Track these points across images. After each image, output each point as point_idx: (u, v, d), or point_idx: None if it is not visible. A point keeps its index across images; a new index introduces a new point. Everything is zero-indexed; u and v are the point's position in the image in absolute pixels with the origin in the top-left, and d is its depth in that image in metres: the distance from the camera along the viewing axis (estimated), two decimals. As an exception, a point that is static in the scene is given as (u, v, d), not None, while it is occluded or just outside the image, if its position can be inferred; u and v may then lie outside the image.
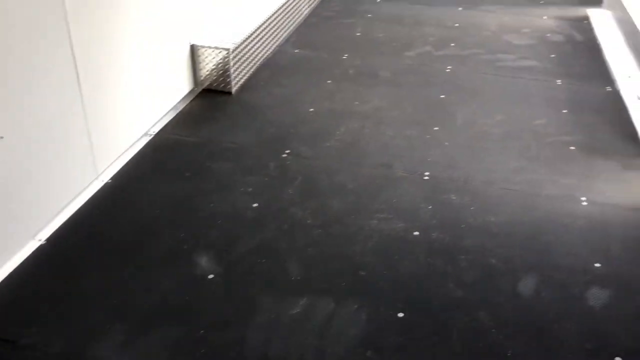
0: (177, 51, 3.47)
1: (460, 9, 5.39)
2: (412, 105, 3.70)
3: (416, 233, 2.57)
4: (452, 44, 4.61)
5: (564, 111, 3.64)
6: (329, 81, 3.97)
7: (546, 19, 5.22)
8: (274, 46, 4.38)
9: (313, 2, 5.26)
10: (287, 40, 4.58)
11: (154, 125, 3.30)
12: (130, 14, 2.94)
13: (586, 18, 5.24)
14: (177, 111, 3.50)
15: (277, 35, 4.41)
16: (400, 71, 4.15)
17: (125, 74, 2.96)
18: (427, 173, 3.00)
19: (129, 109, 3.05)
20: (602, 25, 5.00)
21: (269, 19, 4.18)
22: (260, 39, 4.08)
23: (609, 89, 3.96)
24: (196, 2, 3.58)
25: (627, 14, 4.57)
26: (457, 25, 5.00)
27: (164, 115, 3.40)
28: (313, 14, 5.15)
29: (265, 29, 4.14)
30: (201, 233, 2.55)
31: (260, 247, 2.49)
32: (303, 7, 4.98)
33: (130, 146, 3.11)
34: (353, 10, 5.27)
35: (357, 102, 3.71)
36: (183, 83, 3.58)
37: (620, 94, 3.88)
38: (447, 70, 4.17)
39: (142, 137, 3.21)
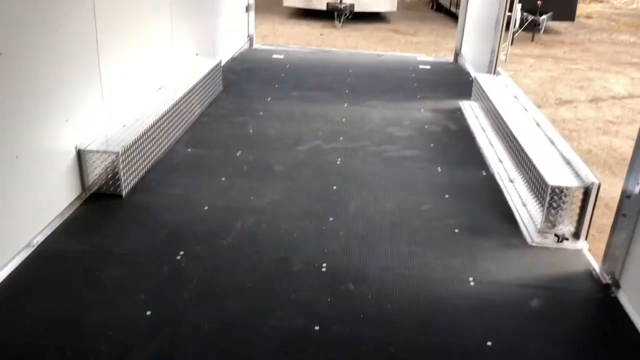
0: (62, 156, 3.37)
1: (345, 105, 5.73)
2: (306, 198, 3.80)
3: (317, 328, 2.56)
4: (341, 138, 4.84)
5: (446, 196, 3.89)
6: (223, 178, 3.99)
7: (423, 111, 5.67)
8: (166, 146, 4.37)
9: (205, 102, 5.37)
10: (179, 140, 4.60)
11: (37, 236, 3.12)
12: (10, 123, 2.84)
13: (459, 109, 5.75)
14: (64, 219, 3.34)
15: (169, 134, 4.42)
16: (294, 165, 4.27)
17: (1, 183, 2.82)
18: (324, 264, 3.04)
19: (6, 219, 2.88)
20: (472, 116, 5.49)
21: (160, 119, 4.20)
22: (152, 139, 4.07)
23: (484, 173, 4.31)
24: (83, 105, 3.54)
25: (492, 104, 5.07)
26: (344, 120, 5.29)
27: (49, 224, 3.23)
28: (205, 113, 5.25)
29: (156, 129, 4.14)
30: (90, 349, 2.38)
31: (155, 357, 2.36)
32: (195, 106, 5.06)
33: (10, 260, 2.90)
34: (245, 108, 5.44)
35: (252, 198, 3.75)
36: (69, 189, 3.45)
37: (495, 177, 4.23)
38: (338, 163, 4.35)
39: (23, 249, 3.01)
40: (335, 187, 3.93)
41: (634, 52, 13.57)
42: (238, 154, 4.39)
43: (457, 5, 15.78)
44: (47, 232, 3.19)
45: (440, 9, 18.22)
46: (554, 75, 10.88)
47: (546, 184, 3.43)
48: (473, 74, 6.83)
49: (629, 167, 2.94)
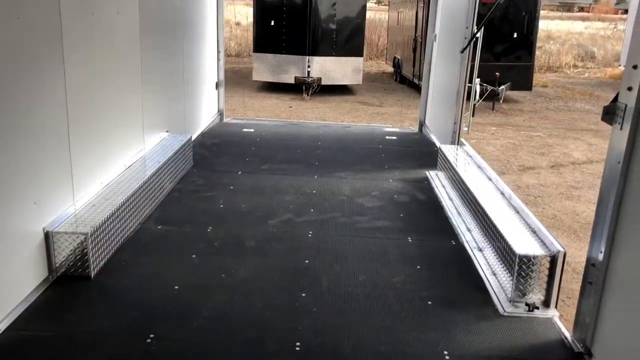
0: (29, 238, 3.31)
1: (315, 176, 5.81)
2: (278, 274, 3.78)
3: (292, 410, 2.50)
4: (312, 210, 4.89)
5: (418, 267, 3.92)
6: (193, 256, 3.96)
7: (392, 181, 5.78)
8: (135, 224, 4.34)
9: (175, 177, 5.38)
10: (149, 217, 4.58)
11: (1, 322, 3.02)
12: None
13: (426, 179, 5.89)
14: (29, 303, 3.25)
15: (138, 212, 4.40)
16: (265, 240, 4.27)
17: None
18: (298, 343, 2.99)
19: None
20: (439, 185, 5.62)
21: (130, 197, 4.19)
22: (122, 218, 4.04)
23: (453, 242, 4.37)
24: (52, 186, 3.52)
25: (458, 174, 5.21)
26: (314, 191, 5.35)
27: (13, 310, 3.13)
28: (175, 188, 5.25)
29: (126, 207, 4.12)
30: None
31: None
32: (165, 182, 5.07)
33: (-29, 349, 2.79)
34: (215, 183, 5.47)
35: (223, 275, 3.71)
36: (36, 272, 3.38)
37: (464, 246, 4.29)
38: (309, 236, 4.37)
39: (-14, 337, 2.90)
40: (307, 262, 3.93)
41: (589, 119, 14.20)
42: (209, 230, 4.38)
43: (420, 78, 16.44)
44: (12, 318, 3.09)
45: (403, 80, 18.91)
46: (515, 143, 11.27)
47: (514, 253, 3.50)
48: (438, 144, 7.04)
49: (592, 236, 3.02)
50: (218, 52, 8.18)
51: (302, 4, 15.41)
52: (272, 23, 15.69)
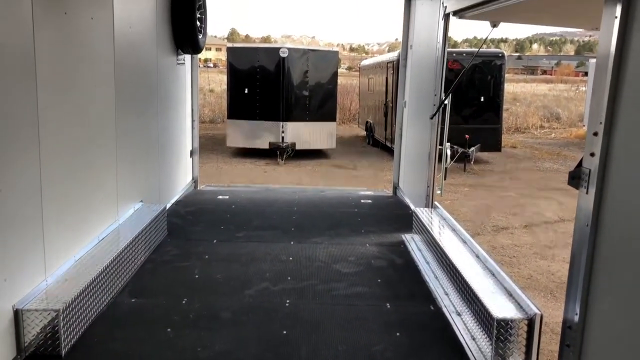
0: (-2, 318, 3.21)
1: (292, 243, 5.80)
2: (256, 346, 3.70)
3: None
4: (289, 277, 4.85)
5: (397, 334, 3.89)
6: (168, 329, 3.86)
7: (368, 246, 5.79)
8: (108, 298, 4.24)
9: (149, 248, 5.32)
10: (123, 290, 4.48)
11: (-37, 408, 2.88)
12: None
13: (402, 243, 5.91)
14: (-6, 386, 3.11)
15: (112, 286, 4.31)
16: (241, 311, 4.20)
17: None
18: (277, 419, 2.90)
19: None
20: (415, 249, 5.65)
21: (103, 271, 4.11)
22: (94, 293, 3.95)
23: (431, 307, 4.36)
24: (23, 262, 3.45)
25: (433, 237, 5.26)
26: (291, 258, 5.33)
27: (-22, 394, 3.00)
28: (149, 259, 5.18)
29: (99, 282, 4.04)
30: None
31: None
32: (139, 254, 5.00)
33: None
34: (190, 252, 5.41)
35: (199, 349, 3.62)
36: (3, 352, 3.25)
37: (442, 311, 4.28)
38: (287, 305, 4.31)
39: None
40: (285, 332, 3.87)
41: (558, 178, 14.57)
42: (184, 302, 4.30)
43: (392, 141, 16.81)
44: (-25, 403, 2.95)
45: (376, 143, 19.29)
46: (488, 203, 11.46)
47: (492, 317, 3.51)
48: (412, 207, 7.12)
49: (566, 298, 3.06)
50: (192, 120, 8.28)
51: (275, 71, 15.81)
52: (246, 90, 16.02)
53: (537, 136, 24.73)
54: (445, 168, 6.44)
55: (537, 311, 3.43)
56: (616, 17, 2.68)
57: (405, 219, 6.76)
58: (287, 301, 4.37)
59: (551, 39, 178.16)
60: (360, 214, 7.09)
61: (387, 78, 17.56)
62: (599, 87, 2.79)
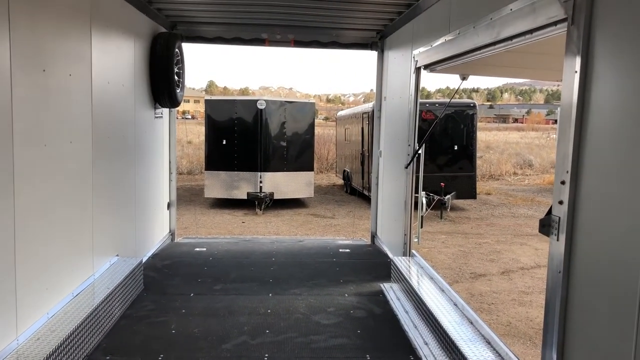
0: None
1: (270, 295, 5.75)
2: (234, 402, 3.62)
3: None
4: (267, 331, 4.79)
5: (378, 386, 3.85)
6: (144, 388, 3.77)
7: (347, 296, 5.77)
8: (82, 356, 4.13)
9: (125, 303, 5.22)
10: (97, 347, 4.37)
11: None
12: None
13: (381, 292, 5.91)
14: None
15: (86, 344, 4.21)
16: (219, 366, 4.12)
17: None
18: None
19: None
20: (394, 298, 5.65)
21: (77, 328, 4.02)
22: (68, 351, 3.85)
23: (411, 358, 4.33)
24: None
25: (411, 286, 5.28)
26: (269, 311, 5.27)
27: None
28: (125, 315, 5.08)
29: (73, 339, 3.94)
30: None
31: None
32: (115, 309, 4.91)
33: None
34: (166, 307, 5.33)
35: (176, 407, 3.53)
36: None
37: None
38: (265, 358, 4.25)
39: None
40: (264, 387, 3.80)
41: (533, 224, 14.77)
42: (160, 359, 4.20)
43: (369, 189, 16.98)
44: None
45: (354, 192, 19.42)
46: (465, 250, 11.53)
47: (472, 368, 3.50)
48: (390, 255, 7.15)
49: (543, 345, 3.08)
50: (170, 172, 8.30)
51: (252, 123, 15.99)
52: (224, 142, 16.12)
53: (511, 183, 25.16)
54: (422, 216, 6.51)
55: (515, 359, 3.44)
56: (576, 72, 2.82)
57: (383, 268, 6.78)
58: (266, 355, 4.31)
59: (521, 88, 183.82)
60: (339, 263, 7.08)
61: (362, 128, 17.86)
62: (564, 136, 2.91)
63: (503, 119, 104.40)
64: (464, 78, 6.14)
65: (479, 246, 11.97)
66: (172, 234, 8.42)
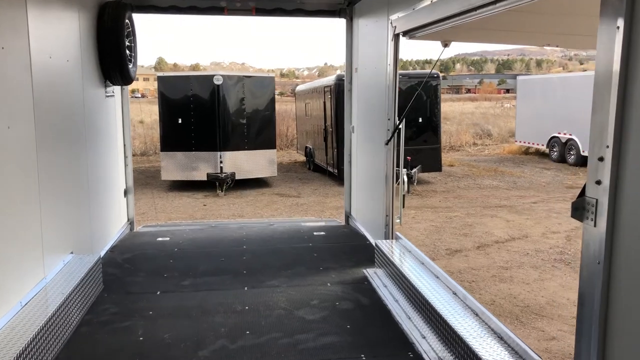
0: None
1: (245, 289, 5.25)
2: (218, 423, 3.14)
3: None
4: (247, 332, 4.30)
5: (380, 392, 3.43)
6: (111, 412, 3.24)
7: (330, 285, 5.33)
8: (35, 376, 3.56)
9: (83, 308, 4.63)
10: (53, 363, 3.80)
11: None
12: None
13: (365, 279, 5.49)
14: None
15: (41, 358, 3.63)
16: (197, 378, 3.62)
17: None
18: None
19: None
20: (381, 285, 5.23)
21: (29, 344, 3.43)
22: (16, 374, 3.27)
23: (410, 355, 3.93)
24: None
25: (401, 273, 4.86)
26: (247, 308, 4.78)
27: None
28: (84, 321, 4.49)
29: (25, 357, 3.36)
30: None
31: None
32: (72, 316, 4.31)
33: None
34: (131, 309, 4.76)
35: None
36: None
37: (423, 356, 3.86)
38: (249, 366, 3.77)
39: None
40: (251, 402, 3.33)
41: (500, 195, 14.67)
42: (128, 373, 3.67)
43: (334, 165, 16.52)
44: None
45: (317, 169, 18.95)
46: (437, 225, 11.27)
47: (487, 368, 3.11)
48: (370, 238, 6.73)
49: (577, 342, 2.70)
50: (125, 156, 7.61)
51: (209, 100, 15.23)
52: (180, 121, 15.33)
53: (471, 153, 25.19)
54: (404, 195, 6.10)
55: (537, 358, 3.06)
56: (618, 28, 2.39)
57: (363, 252, 6.36)
58: (249, 361, 3.82)
59: (472, 58, 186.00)
60: (316, 248, 6.62)
61: (325, 102, 17.32)
62: (602, 106, 2.48)
63: (456, 89, 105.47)
64: (445, 45, 5.69)
65: (450, 220, 11.73)
66: (130, 223, 7.76)
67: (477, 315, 3.81)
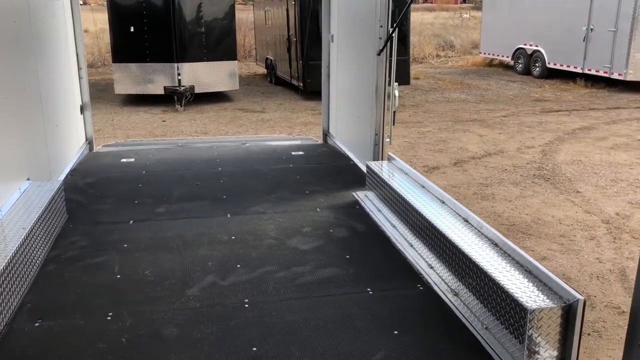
0: None
1: (229, 215, 4.79)
2: (220, 373, 2.78)
3: None
4: (238, 265, 3.89)
5: (395, 332, 3.11)
6: (95, 366, 2.82)
7: (320, 211, 4.93)
8: (2, 324, 3.07)
9: (48, 242, 4.10)
10: (20, 308, 3.31)
11: None
12: None
13: (357, 203, 5.11)
14: None
15: (4, 306, 3.13)
16: (189, 322, 3.21)
17: None
18: None
19: None
20: (374, 209, 4.87)
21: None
22: (-22, 328, 2.79)
23: (420, 287, 3.62)
24: None
25: (399, 197, 4.48)
26: (233, 237, 4.34)
27: None
28: (51, 258, 3.97)
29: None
30: None
31: None
32: (37, 253, 3.78)
33: None
34: (102, 241, 4.24)
35: (145, 392, 2.64)
36: None
37: (434, 291, 3.56)
38: (247, 306, 3.38)
39: None
40: (255, 349, 2.96)
41: (469, 109, 14.40)
42: (108, 319, 3.23)
43: (298, 78, 15.76)
44: None
45: (280, 81, 18.14)
46: (410, 141, 10.94)
47: (518, 305, 2.81)
48: (356, 159, 6.31)
49: (637, 282, 2.39)
50: (79, 68, 6.79)
51: (164, 6, 14.03)
52: (132, 29, 14.14)
53: (435, 65, 24.68)
54: (394, 112, 5.63)
55: (578, 296, 2.76)
56: None
57: (349, 173, 5.97)
58: (245, 300, 3.43)
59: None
60: (297, 170, 6.16)
61: (287, 10, 16.26)
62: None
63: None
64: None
65: (422, 136, 11.42)
66: (89, 142, 7.07)
67: (496, 245, 3.48)
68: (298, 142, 7.70)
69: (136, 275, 3.75)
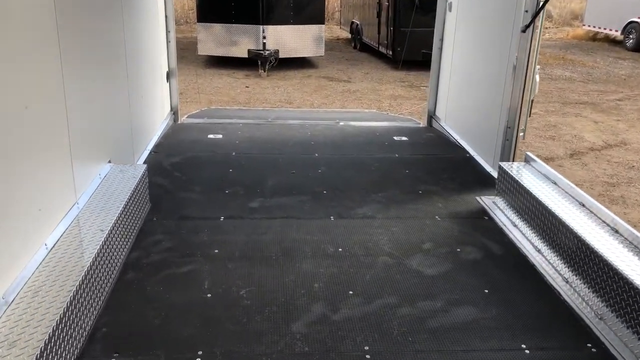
0: None
1: (332, 218, 4.06)
2: None
3: None
4: (350, 292, 3.16)
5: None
6: None
7: (439, 219, 4.11)
8: (72, 352, 2.49)
9: (129, 240, 3.51)
10: (93, 335, 2.72)
11: None
12: None
13: (483, 212, 4.25)
14: None
15: (79, 330, 2.54)
16: (296, 373, 2.53)
17: None
18: None
19: None
20: (509, 224, 3.99)
21: (66, 311, 2.33)
22: (54, 347, 2.20)
23: (591, 348, 2.77)
24: None
25: (543, 207, 3.59)
26: (340, 250, 3.61)
27: None
28: (130, 263, 3.37)
29: (60, 327, 2.27)
30: None
31: None
32: (116, 257, 3.19)
33: None
34: (189, 244, 3.62)
35: None
36: None
37: (610, 352, 2.71)
38: (367, 356, 2.65)
39: None
40: None
41: (576, 89, 12.97)
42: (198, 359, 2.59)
43: (387, 46, 14.71)
44: None
45: (365, 48, 17.13)
46: (516, 124, 9.80)
47: None
48: (472, 151, 5.42)
49: None
50: (167, 31, 6.17)
51: (251, -35, 13.26)
52: (219, -12, 13.51)
53: (531, 37, 22.78)
54: (531, 100, 4.69)
55: None
56: None
57: (466, 169, 5.12)
58: (365, 348, 2.70)
59: None
60: (404, 160, 5.33)
61: (380, -29, 15.12)
62: None
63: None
64: None
65: (529, 119, 10.21)
66: (174, 112, 6.50)
67: None
68: (398, 124, 6.83)
69: (230, 295, 3.09)
